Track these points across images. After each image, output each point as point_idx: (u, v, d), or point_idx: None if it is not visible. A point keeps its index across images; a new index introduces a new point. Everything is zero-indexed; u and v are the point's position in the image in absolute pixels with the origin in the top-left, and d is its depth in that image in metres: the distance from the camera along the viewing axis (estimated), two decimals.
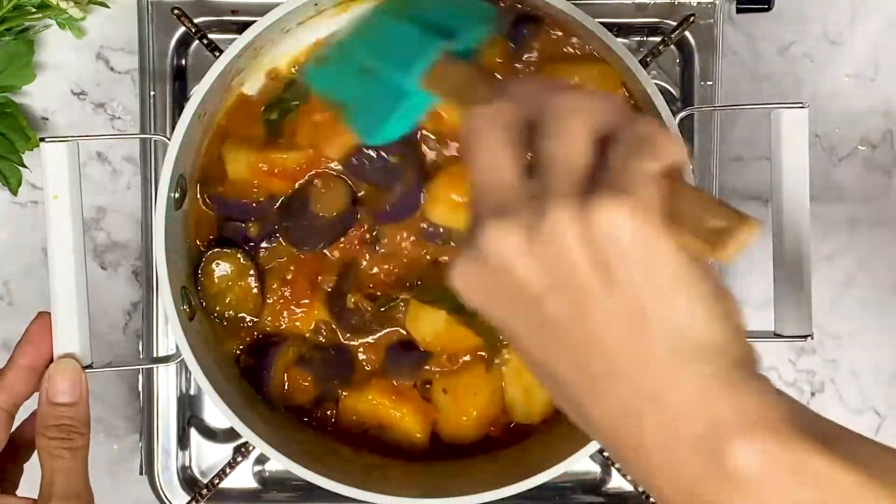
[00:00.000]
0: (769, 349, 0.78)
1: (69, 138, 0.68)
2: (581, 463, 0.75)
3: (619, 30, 0.81)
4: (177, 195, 0.72)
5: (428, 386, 0.79)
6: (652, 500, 0.79)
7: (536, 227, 0.46)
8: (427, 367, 0.78)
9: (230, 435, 0.82)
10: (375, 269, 0.78)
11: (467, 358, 0.78)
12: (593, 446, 0.71)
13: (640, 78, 0.70)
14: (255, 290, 0.77)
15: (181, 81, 0.82)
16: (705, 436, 0.45)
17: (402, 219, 0.77)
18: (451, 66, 0.61)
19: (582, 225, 0.45)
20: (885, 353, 0.88)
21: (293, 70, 0.78)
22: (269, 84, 0.78)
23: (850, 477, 0.44)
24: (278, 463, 0.72)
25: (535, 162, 0.48)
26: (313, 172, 0.76)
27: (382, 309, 0.77)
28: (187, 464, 0.83)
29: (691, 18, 0.79)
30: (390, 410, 0.78)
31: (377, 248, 0.77)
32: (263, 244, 0.77)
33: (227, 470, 0.78)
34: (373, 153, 0.75)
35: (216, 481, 0.78)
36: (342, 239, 0.77)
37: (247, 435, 0.71)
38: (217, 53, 0.76)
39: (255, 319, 0.77)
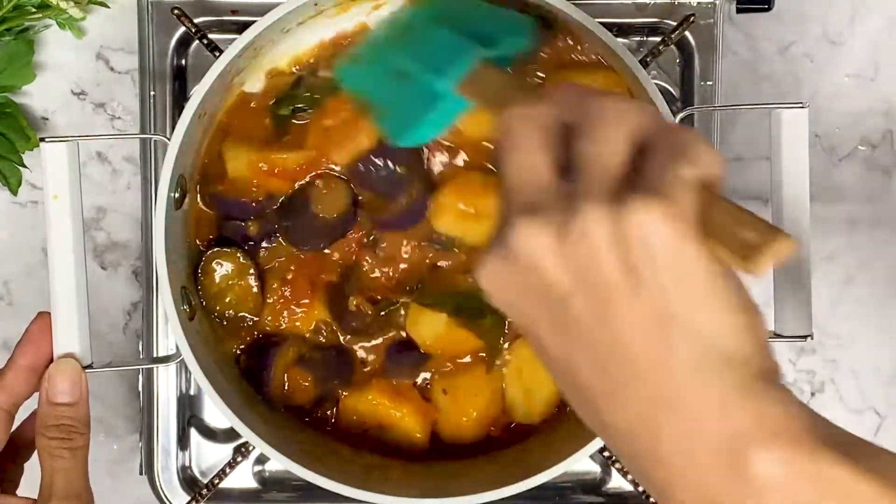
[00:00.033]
0: None
1: (69, 138, 0.68)
2: (581, 463, 0.75)
3: (619, 30, 0.81)
4: (177, 195, 0.72)
5: (428, 386, 0.79)
6: (652, 500, 0.79)
7: (567, 227, 0.46)
8: (427, 368, 0.78)
9: (230, 435, 0.82)
10: (377, 273, 0.78)
11: (468, 359, 0.78)
12: (593, 446, 0.71)
13: (640, 78, 0.70)
14: (255, 290, 0.77)
15: (181, 81, 0.82)
16: (727, 444, 0.45)
17: (404, 229, 0.77)
18: (488, 73, 0.61)
19: (614, 225, 0.45)
20: (885, 353, 0.88)
21: (294, 69, 0.77)
22: (274, 80, 0.77)
23: (871, 487, 0.45)
24: (278, 463, 0.72)
25: (570, 164, 0.48)
26: (314, 173, 0.76)
27: (382, 313, 0.77)
28: (187, 464, 0.83)
29: (691, 18, 0.79)
30: (390, 410, 0.78)
31: (376, 250, 0.77)
32: (263, 244, 0.77)
33: (227, 470, 0.78)
34: (380, 162, 0.75)
35: (216, 481, 0.78)
36: (341, 240, 0.77)
37: (247, 435, 0.71)
38: (217, 53, 0.76)
39: (255, 319, 0.77)
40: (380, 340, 0.78)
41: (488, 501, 0.72)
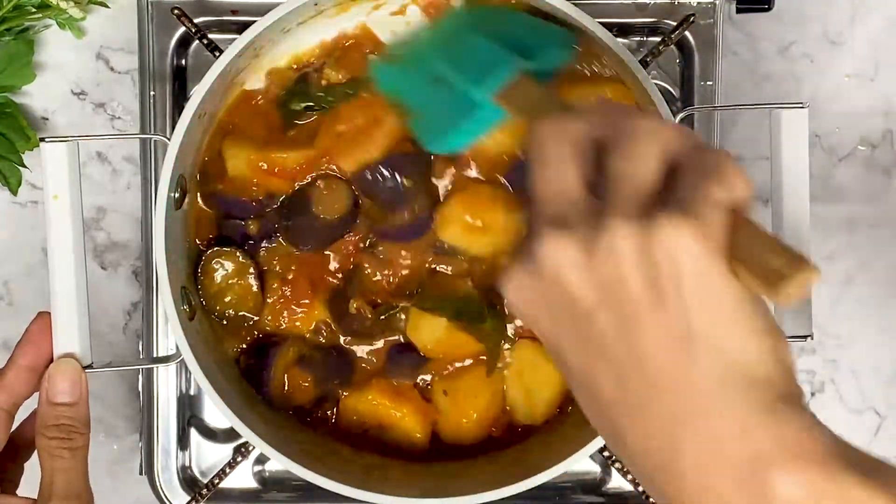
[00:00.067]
0: None
1: (69, 138, 0.68)
2: (581, 463, 0.75)
3: (619, 30, 0.81)
4: (177, 195, 0.72)
5: (429, 387, 0.79)
6: (652, 500, 0.79)
7: (594, 241, 0.46)
8: (427, 370, 0.78)
9: (230, 435, 0.82)
10: (378, 276, 0.77)
11: (468, 362, 0.78)
12: (593, 446, 0.71)
13: (640, 78, 0.70)
14: (254, 289, 0.77)
15: (181, 81, 0.82)
16: (748, 465, 0.45)
17: (406, 241, 0.77)
18: (526, 85, 0.61)
19: (642, 242, 0.46)
20: (885, 353, 0.88)
21: (294, 67, 0.77)
22: (278, 75, 0.77)
23: None
24: (278, 463, 0.72)
25: (599, 180, 0.49)
26: (315, 174, 0.76)
27: (382, 317, 0.77)
28: (187, 464, 0.83)
29: (691, 18, 0.79)
30: (390, 410, 0.78)
31: (375, 253, 0.77)
32: (263, 244, 0.77)
33: (227, 470, 0.78)
34: (387, 173, 0.75)
35: (216, 481, 0.78)
36: (340, 242, 0.77)
37: (247, 435, 0.71)
38: (217, 53, 0.76)
39: (255, 318, 0.77)
40: (381, 344, 0.78)
41: (488, 501, 0.72)
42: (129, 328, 0.86)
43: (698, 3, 0.81)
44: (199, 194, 0.77)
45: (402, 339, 0.78)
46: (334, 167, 0.76)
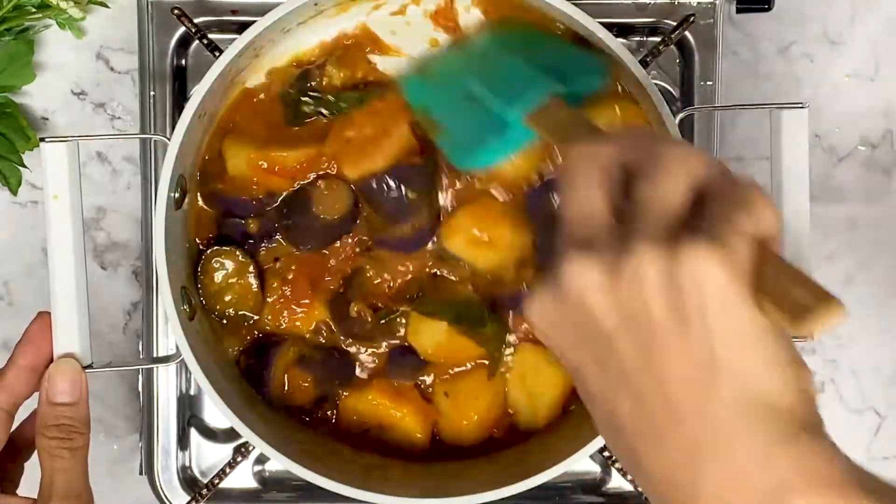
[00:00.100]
0: None
1: (69, 138, 0.68)
2: (581, 463, 0.75)
3: (619, 30, 0.81)
4: (177, 195, 0.72)
5: (430, 390, 0.78)
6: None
7: (619, 265, 0.46)
8: (427, 372, 0.78)
9: (230, 435, 0.82)
10: (380, 280, 0.77)
11: (469, 366, 0.78)
12: (593, 446, 0.71)
13: (640, 78, 0.70)
14: (254, 288, 0.77)
15: (181, 81, 0.82)
16: (770, 493, 0.45)
17: (406, 252, 0.77)
18: (558, 108, 0.62)
19: (667, 267, 0.46)
20: (885, 353, 0.88)
21: (294, 65, 0.77)
22: (279, 72, 0.77)
23: None
24: (278, 463, 0.72)
25: (628, 205, 0.49)
26: (315, 174, 0.76)
27: (382, 321, 0.76)
28: (187, 464, 0.83)
29: (691, 18, 0.79)
30: (390, 410, 0.78)
31: (374, 255, 0.77)
32: (264, 243, 0.77)
33: (227, 470, 0.78)
34: (393, 183, 0.74)
35: (216, 481, 0.78)
36: (338, 242, 0.77)
37: (247, 435, 0.71)
38: (217, 53, 0.76)
39: (255, 318, 0.77)
40: (383, 348, 0.78)
41: (488, 501, 0.72)
42: (129, 328, 0.86)
43: (698, 3, 0.81)
44: (199, 193, 0.77)
45: (403, 343, 0.78)
46: (336, 169, 0.76)
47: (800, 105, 0.70)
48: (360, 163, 0.74)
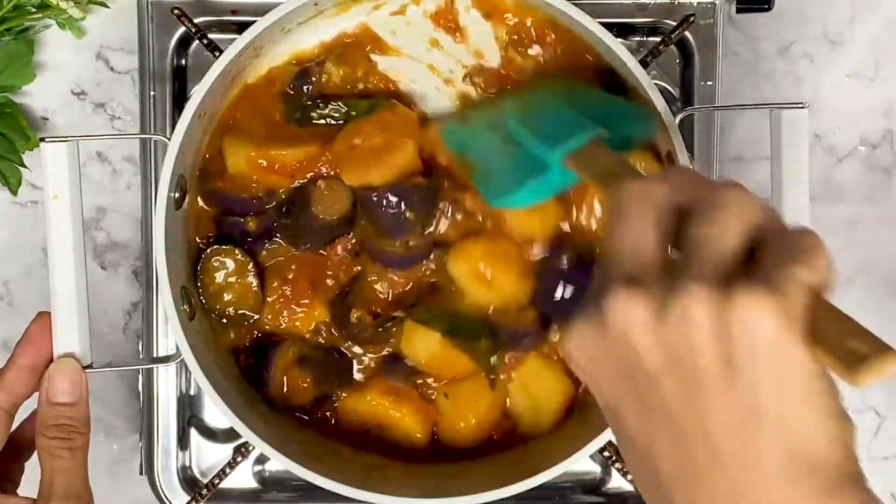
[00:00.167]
0: None
1: (69, 138, 0.68)
2: (581, 463, 0.75)
3: (619, 30, 0.81)
4: (177, 195, 0.72)
5: (431, 391, 0.78)
6: None
7: (668, 304, 0.46)
8: (424, 377, 0.78)
9: (230, 435, 0.82)
10: (380, 287, 0.77)
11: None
12: (593, 446, 0.71)
13: (640, 78, 0.70)
14: (254, 288, 0.76)
15: (181, 81, 0.82)
16: None
17: (399, 269, 0.77)
18: (598, 151, 0.62)
19: (718, 311, 0.45)
20: None
21: (294, 63, 0.77)
22: (279, 72, 0.77)
23: None
24: (278, 463, 0.72)
25: (679, 245, 0.48)
26: (315, 172, 0.76)
27: (380, 329, 0.76)
28: (187, 464, 0.83)
29: (691, 18, 0.79)
30: (390, 411, 0.78)
31: (372, 261, 0.77)
32: (265, 243, 0.77)
33: (227, 470, 0.78)
34: (393, 199, 0.74)
35: (216, 481, 0.78)
36: (337, 243, 0.77)
37: (247, 435, 0.71)
38: (217, 53, 0.76)
39: (255, 317, 0.77)
40: (384, 352, 0.78)
41: (488, 501, 0.72)
42: (129, 328, 0.86)
43: (698, 3, 0.81)
44: (199, 192, 0.77)
45: (397, 351, 0.77)
46: (335, 173, 0.76)
47: (800, 105, 0.70)
48: (359, 172, 0.74)
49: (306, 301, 0.77)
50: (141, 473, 0.83)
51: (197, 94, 0.70)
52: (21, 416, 0.70)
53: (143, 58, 0.81)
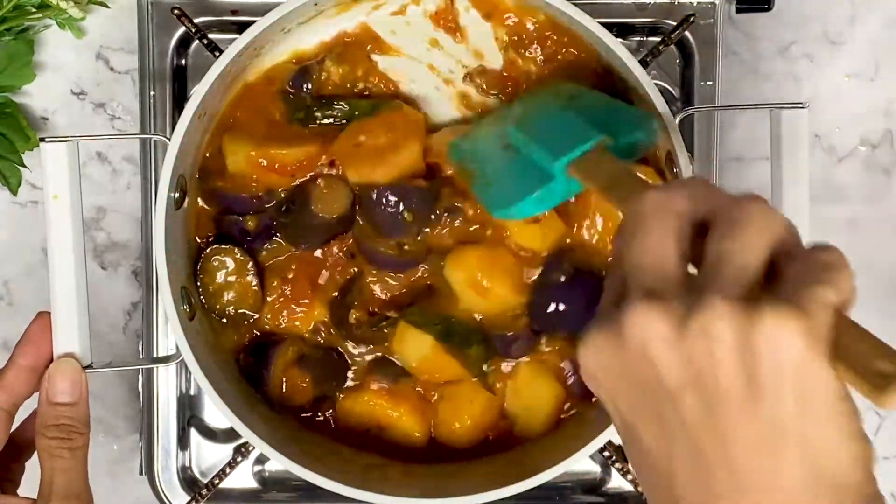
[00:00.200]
0: None
1: (69, 138, 0.68)
2: (581, 463, 0.75)
3: (619, 30, 0.81)
4: (177, 195, 0.72)
5: (428, 392, 0.78)
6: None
7: (689, 319, 0.45)
8: (412, 381, 0.78)
9: (230, 435, 0.82)
10: (379, 287, 0.77)
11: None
12: (593, 446, 0.71)
13: (640, 78, 0.70)
14: (254, 287, 0.76)
15: (181, 81, 0.82)
16: None
17: (393, 271, 0.77)
18: (603, 159, 0.62)
19: (743, 329, 0.44)
20: None
21: (294, 61, 0.77)
22: (278, 69, 0.77)
23: None
24: (278, 463, 0.72)
25: (699, 260, 0.47)
26: (315, 171, 0.76)
27: (374, 328, 0.76)
28: (187, 464, 0.83)
29: (691, 18, 0.79)
30: (387, 410, 0.77)
31: (354, 256, 0.77)
32: (265, 243, 0.77)
33: (227, 470, 0.78)
34: (393, 199, 0.74)
35: (216, 481, 0.78)
36: (335, 241, 0.77)
37: (247, 435, 0.71)
38: (217, 53, 0.76)
39: (255, 316, 0.77)
40: (377, 353, 0.78)
41: (488, 502, 0.72)
42: (129, 328, 0.86)
43: (698, 3, 0.81)
44: (198, 191, 0.77)
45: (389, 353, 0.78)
46: (338, 169, 0.76)
47: (800, 105, 0.70)
48: (364, 169, 0.74)
49: (306, 301, 0.77)
50: (141, 473, 0.83)
51: (197, 94, 0.70)
52: (21, 416, 0.70)
53: (143, 58, 0.81)
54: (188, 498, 0.79)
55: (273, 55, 0.77)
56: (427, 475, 0.77)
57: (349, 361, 0.78)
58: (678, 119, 0.72)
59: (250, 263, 0.76)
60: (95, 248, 0.86)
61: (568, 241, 0.75)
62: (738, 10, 0.82)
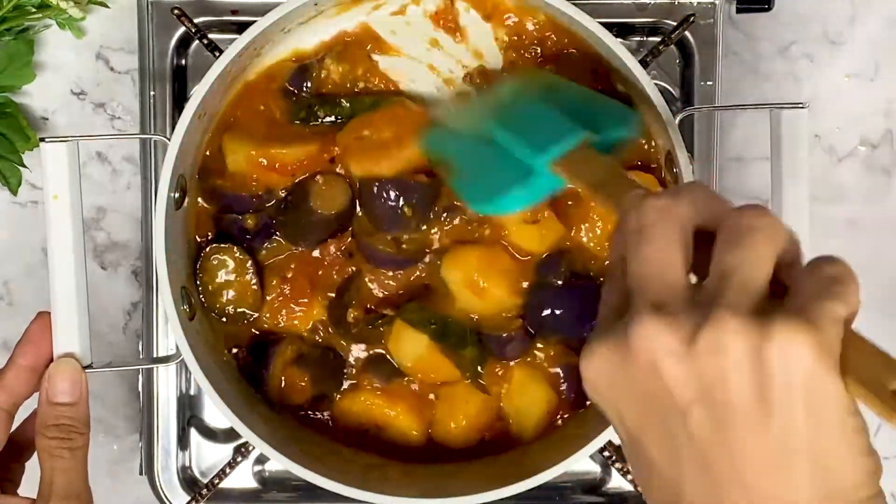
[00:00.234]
0: None
1: (69, 138, 0.68)
2: (581, 463, 0.75)
3: (619, 30, 0.81)
4: (177, 195, 0.72)
5: (423, 391, 0.78)
6: None
7: (698, 334, 0.44)
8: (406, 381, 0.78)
9: (230, 435, 0.82)
10: (376, 285, 0.77)
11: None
12: (593, 446, 0.71)
13: (640, 78, 0.70)
14: (253, 286, 0.76)
15: (181, 81, 0.82)
16: None
17: (391, 269, 0.77)
18: (587, 156, 0.61)
19: (753, 344, 0.44)
20: None
21: (293, 60, 0.77)
22: (278, 67, 0.77)
23: None
24: (278, 463, 0.72)
25: (699, 267, 0.47)
26: (315, 170, 0.76)
27: (370, 326, 0.76)
28: (187, 464, 0.83)
29: (691, 18, 0.79)
30: (384, 410, 0.77)
31: (352, 255, 0.77)
32: (265, 242, 0.77)
33: (227, 470, 0.78)
34: (393, 193, 0.74)
35: (216, 481, 0.78)
36: (335, 239, 0.77)
37: (247, 435, 0.71)
38: (217, 53, 0.76)
39: (254, 315, 0.77)
40: (372, 351, 0.78)
41: (488, 502, 0.72)
42: (129, 328, 0.86)
43: (698, 3, 0.81)
44: (198, 190, 0.77)
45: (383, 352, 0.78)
46: (338, 167, 0.76)
47: (800, 105, 0.70)
48: (368, 163, 0.74)
49: (305, 300, 0.77)
50: (141, 473, 0.83)
51: (197, 94, 0.70)
52: (21, 416, 0.70)
53: (143, 58, 0.81)
54: (188, 498, 0.79)
55: (273, 55, 0.77)
56: (427, 475, 0.77)
57: (346, 360, 0.78)
58: (678, 119, 0.72)
59: (249, 262, 0.76)
60: (95, 248, 0.86)
61: (567, 243, 0.75)
62: (738, 10, 0.82)
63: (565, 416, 0.78)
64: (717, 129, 0.82)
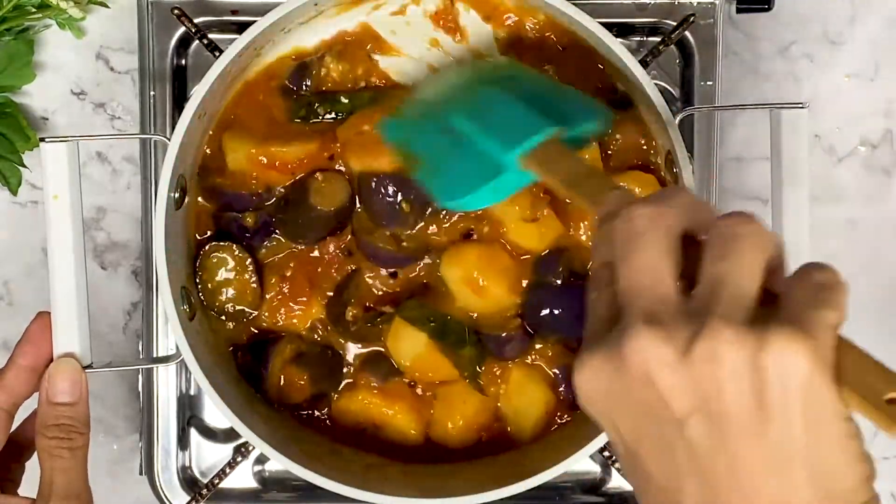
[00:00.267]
0: None
1: (69, 138, 0.68)
2: (581, 463, 0.75)
3: (620, 30, 0.81)
4: (177, 195, 0.72)
5: (422, 390, 0.78)
6: None
7: (693, 345, 0.44)
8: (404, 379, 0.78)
9: (230, 435, 0.82)
10: (375, 283, 0.77)
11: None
12: (593, 446, 0.71)
13: (640, 78, 0.70)
14: (253, 284, 0.76)
15: (181, 81, 0.82)
16: None
17: (388, 267, 0.77)
18: (557, 151, 0.60)
19: (748, 353, 0.44)
20: (885, 354, 0.87)
21: (293, 58, 0.77)
22: (277, 65, 0.77)
23: None
24: (278, 463, 0.72)
25: (687, 273, 0.47)
26: (314, 169, 0.76)
27: (369, 324, 0.76)
28: (187, 464, 0.83)
29: (691, 18, 0.79)
30: (382, 409, 0.77)
31: (351, 253, 0.77)
32: (264, 240, 0.77)
33: (227, 470, 0.78)
34: (391, 188, 0.74)
35: (216, 481, 0.78)
36: (335, 236, 0.77)
37: (247, 435, 0.71)
38: (217, 53, 0.76)
39: (253, 313, 0.77)
40: (370, 349, 0.78)
41: (488, 502, 0.72)
42: (129, 328, 0.86)
43: (698, 3, 0.81)
44: (198, 188, 0.77)
45: (381, 350, 0.78)
46: (338, 164, 0.76)
47: (800, 105, 0.70)
48: (366, 157, 0.74)
49: (304, 299, 0.77)
50: (141, 473, 0.83)
51: (197, 94, 0.70)
52: (21, 416, 0.70)
53: (143, 58, 0.81)
54: (188, 498, 0.79)
55: (273, 55, 0.77)
56: (427, 475, 0.77)
57: (344, 358, 0.78)
58: (678, 119, 0.72)
59: (249, 260, 0.76)
60: (95, 248, 0.86)
61: (565, 241, 0.75)
62: (738, 10, 0.82)
63: (564, 416, 0.77)
64: (717, 129, 0.82)
